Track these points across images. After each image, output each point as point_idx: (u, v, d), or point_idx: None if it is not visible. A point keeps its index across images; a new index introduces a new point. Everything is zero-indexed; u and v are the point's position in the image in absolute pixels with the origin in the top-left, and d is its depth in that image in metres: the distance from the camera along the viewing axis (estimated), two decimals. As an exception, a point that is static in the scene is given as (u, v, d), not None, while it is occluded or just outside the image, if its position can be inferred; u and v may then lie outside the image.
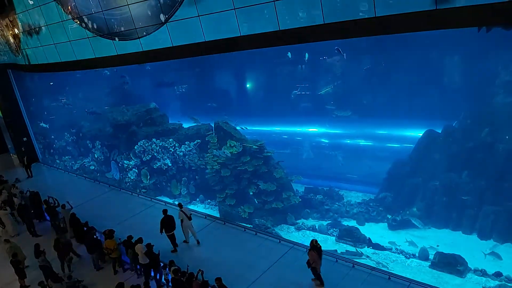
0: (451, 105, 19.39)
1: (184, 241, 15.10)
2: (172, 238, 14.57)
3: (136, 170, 24.34)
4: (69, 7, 16.92)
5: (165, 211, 14.61)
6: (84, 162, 28.27)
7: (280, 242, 14.90)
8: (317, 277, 11.92)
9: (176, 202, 21.15)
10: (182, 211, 14.64)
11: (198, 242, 15.07)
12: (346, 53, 23.71)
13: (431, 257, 15.34)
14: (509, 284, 13.22)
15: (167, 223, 14.41)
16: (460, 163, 17.81)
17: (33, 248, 14.36)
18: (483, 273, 14.20)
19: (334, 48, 20.83)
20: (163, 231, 14.49)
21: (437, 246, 16.06)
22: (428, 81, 20.96)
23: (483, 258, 15.01)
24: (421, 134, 19.85)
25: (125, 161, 24.87)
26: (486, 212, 16.46)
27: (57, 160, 30.18)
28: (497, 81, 18.29)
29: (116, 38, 15.47)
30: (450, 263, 14.60)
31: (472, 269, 14.47)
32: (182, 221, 14.65)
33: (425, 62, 20.92)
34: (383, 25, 9.44)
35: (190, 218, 14.70)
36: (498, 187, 16.53)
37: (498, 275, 13.92)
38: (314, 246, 11.49)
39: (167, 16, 13.50)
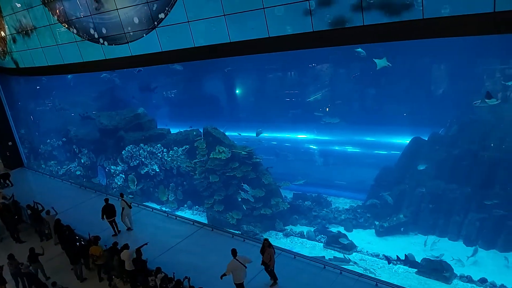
0: (438, 112, 19.66)
1: (128, 229, 16.56)
2: (113, 224, 16.13)
3: (123, 176, 24.07)
4: (57, 11, 16.77)
5: (106, 200, 16.11)
6: (70, 167, 27.85)
7: (268, 248, 14.80)
8: (271, 274, 12.00)
9: (164, 209, 21.10)
10: (123, 200, 16.05)
11: (131, 229, 16.62)
12: (336, 60, 23.94)
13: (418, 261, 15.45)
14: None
15: (108, 211, 15.84)
16: (446, 171, 18.04)
17: (28, 252, 14.11)
18: (468, 279, 14.35)
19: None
20: (104, 217, 15.89)
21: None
22: (415, 89, 21.22)
23: (468, 264, 15.21)
24: (408, 141, 20.04)
25: (112, 167, 24.58)
26: (472, 219, 16.68)
27: (42, 165, 29.69)
28: (483, 89, 18.63)
29: (105, 43, 15.37)
30: (437, 270, 14.74)
31: (458, 275, 14.61)
32: (123, 209, 16.00)
33: (412, 70, 21.19)
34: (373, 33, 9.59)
35: (130, 207, 16.27)
36: (483, 194, 16.76)
37: (483, 281, 14.09)
38: (270, 244, 11.68)
39: (156, 22, 13.47)
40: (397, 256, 15.90)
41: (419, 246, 16.87)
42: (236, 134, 23.59)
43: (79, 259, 14.42)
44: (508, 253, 15.56)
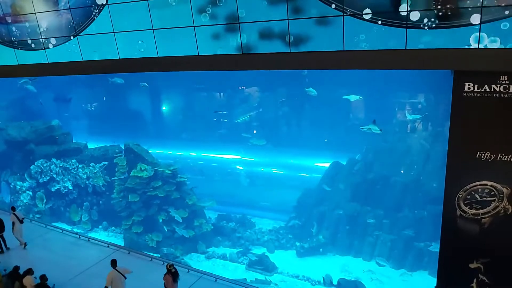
0: (355, 139, 20.91)
1: (21, 244, 15.61)
2: (2, 240, 15.23)
3: (31, 193, 22.04)
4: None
5: None
6: (-33, 182, 24.74)
7: (188, 271, 14.36)
8: None
9: (75, 230, 19.57)
10: (14, 214, 15.20)
11: (25, 246, 15.60)
12: (264, 84, 24.60)
13: (335, 282, 15.99)
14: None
15: None
16: (362, 194, 19.18)
17: None
18: (380, 298, 15.18)
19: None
20: None
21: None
22: (336, 117, 22.51)
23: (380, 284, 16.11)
24: (328, 165, 20.99)
25: (18, 182, 22.39)
26: (384, 240, 17.80)
27: None
28: (394, 120, 20.37)
29: (19, 47, 14.14)
30: (351, 289, 15.39)
31: (371, 294, 15.40)
32: (13, 223, 15.11)
33: (334, 99, 22.50)
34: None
35: (21, 222, 15.31)
36: (394, 217, 18.05)
37: (393, 299, 14.99)
38: (169, 270, 11.59)
39: (78, 29, 12.73)
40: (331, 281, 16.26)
41: (336, 266, 17.51)
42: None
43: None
44: (415, 272, 16.82)
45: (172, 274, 11.42)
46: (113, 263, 11.63)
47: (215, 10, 10.47)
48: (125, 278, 11.58)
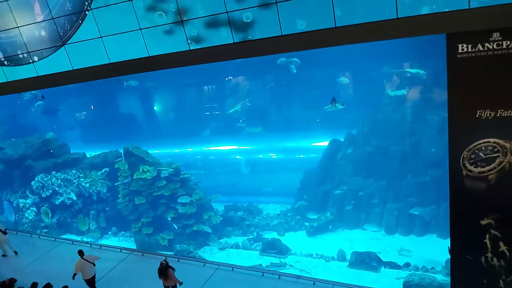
0: (350, 115, 21.12)
1: (3, 255, 16.29)
2: None
3: (35, 209, 21.82)
4: None
5: None
6: (-32, 206, 24.48)
7: (204, 265, 14.58)
8: None
9: (85, 239, 19.61)
10: None
11: (16, 253, 16.48)
12: (250, 72, 24.58)
13: (348, 257, 16.30)
14: (417, 272, 14.62)
15: None
16: (363, 167, 19.45)
17: None
18: (394, 265, 15.51)
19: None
20: None
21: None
22: (327, 95, 22.60)
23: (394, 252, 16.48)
24: (326, 144, 21.19)
25: (20, 200, 22.16)
26: (390, 209, 18.14)
27: None
28: (385, 92, 20.59)
29: (6, 63, 13.95)
30: (365, 261, 15.71)
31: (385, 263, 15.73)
32: None
33: (322, 78, 22.63)
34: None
35: (5, 233, 15.93)
36: (397, 185, 18.36)
37: (407, 265, 15.34)
38: (160, 269, 11.94)
39: (64, 38, 12.60)
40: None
41: (347, 241, 17.83)
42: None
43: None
44: (424, 236, 17.23)
45: (159, 270, 11.88)
46: (80, 253, 12.63)
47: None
48: (94, 265, 12.55)
